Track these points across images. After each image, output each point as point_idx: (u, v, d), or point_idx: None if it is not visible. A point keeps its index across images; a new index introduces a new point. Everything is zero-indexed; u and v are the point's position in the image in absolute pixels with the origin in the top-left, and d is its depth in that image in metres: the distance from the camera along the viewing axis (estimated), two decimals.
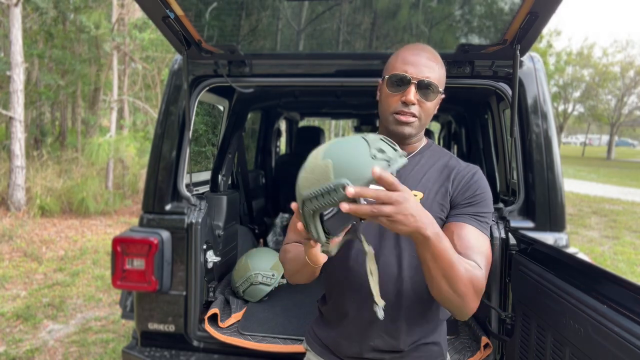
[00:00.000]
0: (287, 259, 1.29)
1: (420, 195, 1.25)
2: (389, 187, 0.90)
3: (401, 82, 1.21)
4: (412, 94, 1.19)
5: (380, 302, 1.05)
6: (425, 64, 1.21)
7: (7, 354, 3.39)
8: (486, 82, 1.91)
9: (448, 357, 1.40)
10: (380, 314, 1.04)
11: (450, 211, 1.25)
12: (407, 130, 1.23)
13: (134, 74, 11.31)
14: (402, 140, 1.28)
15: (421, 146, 1.34)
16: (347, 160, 0.94)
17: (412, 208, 0.93)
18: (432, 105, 1.24)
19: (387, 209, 0.90)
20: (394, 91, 1.22)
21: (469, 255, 1.13)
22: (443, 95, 1.29)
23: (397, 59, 1.25)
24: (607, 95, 33.94)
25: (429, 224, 0.97)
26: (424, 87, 1.20)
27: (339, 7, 1.68)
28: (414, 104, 1.21)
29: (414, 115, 1.22)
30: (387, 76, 1.25)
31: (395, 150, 0.99)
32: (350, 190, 0.88)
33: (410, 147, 1.32)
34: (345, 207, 0.89)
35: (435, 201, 1.24)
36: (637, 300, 1.04)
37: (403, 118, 1.22)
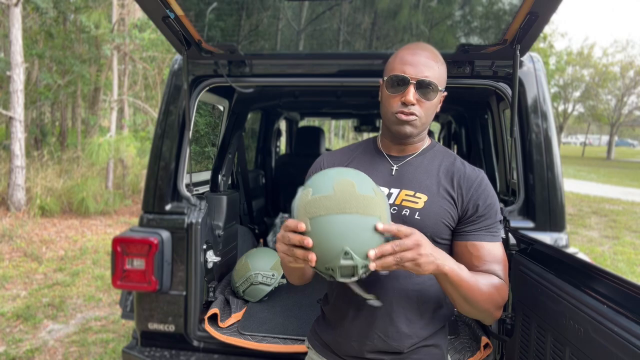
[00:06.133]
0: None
1: (424, 197, 1.24)
2: (398, 235, 1.01)
3: (400, 83, 1.21)
4: (411, 94, 1.19)
5: (369, 296, 1.15)
6: (425, 63, 1.21)
7: (7, 354, 3.39)
8: (486, 82, 1.91)
9: (449, 358, 1.40)
10: (378, 303, 1.15)
11: (464, 226, 1.25)
12: (408, 129, 1.24)
13: (134, 74, 11.31)
14: (404, 140, 1.28)
15: (424, 146, 1.34)
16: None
17: (429, 247, 1.04)
18: (433, 104, 1.24)
19: (408, 254, 1.00)
20: (394, 92, 1.23)
21: (489, 269, 1.22)
22: (445, 93, 1.29)
23: (396, 59, 1.25)
24: (607, 95, 33.94)
25: (445, 259, 1.07)
26: (424, 87, 1.20)
27: (339, 7, 1.68)
28: (413, 104, 1.21)
29: (414, 115, 1.22)
30: (386, 77, 1.25)
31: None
32: (371, 253, 0.99)
33: (412, 147, 1.32)
34: (372, 265, 1.00)
35: (440, 206, 1.24)
36: (637, 300, 1.04)
37: (404, 117, 1.22)
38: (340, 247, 1.00)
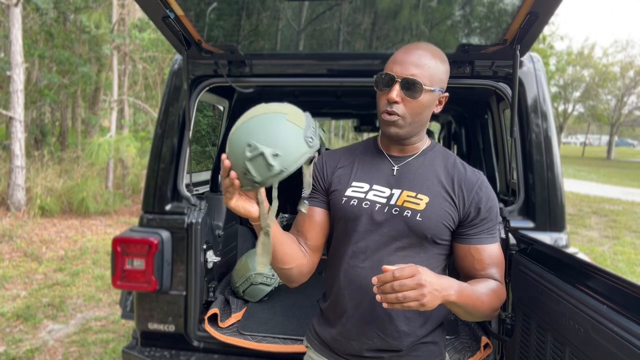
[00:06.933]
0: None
1: (426, 199, 1.24)
2: (400, 277, 0.99)
3: (386, 82, 1.20)
4: (394, 92, 1.18)
5: (262, 262, 1.14)
6: (415, 62, 1.18)
7: (7, 354, 3.39)
8: (486, 82, 1.91)
9: (447, 356, 1.40)
10: (264, 270, 1.14)
11: (466, 229, 1.26)
12: (392, 130, 1.22)
13: (134, 74, 11.32)
14: (393, 140, 1.28)
15: (424, 147, 1.33)
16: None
17: (434, 283, 1.02)
18: (420, 103, 1.20)
19: (411, 294, 0.99)
20: (382, 90, 1.22)
21: (488, 273, 1.25)
22: (445, 94, 1.26)
23: (390, 59, 1.24)
24: (607, 95, 33.94)
25: (450, 288, 1.07)
26: (408, 85, 1.18)
27: (339, 7, 1.68)
28: (396, 102, 1.19)
29: (396, 114, 1.20)
30: (375, 76, 1.25)
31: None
32: (374, 279, 1.02)
33: (412, 147, 1.31)
34: (379, 297, 1.01)
35: (441, 207, 1.24)
36: (637, 300, 1.04)
37: (387, 117, 1.21)
38: (242, 145, 1.00)
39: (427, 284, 1.00)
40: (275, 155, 0.99)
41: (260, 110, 1.06)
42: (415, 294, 0.99)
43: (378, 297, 1.01)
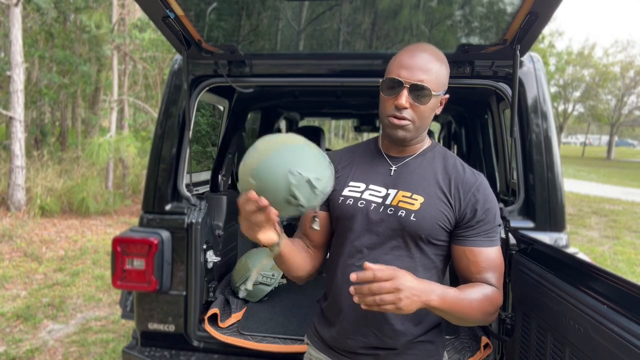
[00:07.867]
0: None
1: (421, 199, 1.24)
2: (377, 279, 1.00)
3: (394, 86, 1.20)
4: (403, 98, 1.18)
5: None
6: (421, 67, 1.19)
7: (7, 354, 3.39)
8: (486, 82, 1.91)
9: (446, 356, 1.40)
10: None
11: (462, 231, 1.25)
12: (400, 133, 1.23)
13: (134, 74, 11.32)
14: (399, 143, 1.28)
15: (424, 147, 1.34)
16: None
17: (413, 288, 1.02)
18: (428, 107, 1.22)
19: (387, 297, 0.99)
20: (388, 95, 1.22)
21: (483, 277, 1.24)
22: (446, 96, 1.27)
23: (394, 61, 1.24)
24: (607, 95, 33.93)
25: (431, 292, 1.06)
26: (417, 91, 1.18)
27: (339, 7, 1.68)
28: (406, 108, 1.20)
29: (407, 119, 1.21)
30: (381, 80, 1.25)
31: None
32: (353, 276, 1.02)
33: (411, 148, 1.32)
34: (356, 299, 1.02)
35: (436, 208, 1.24)
36: (637, 300, 1.04)
37: (396, 121, 1.21)
38: (284, 174, 1.05)
39: (404, 288, 1.00)
40: (318, 179, 1.06)
41: (282, 141, 1.11)
42: (391, 298, 0.99)
43: (355, 298, 1.02)
